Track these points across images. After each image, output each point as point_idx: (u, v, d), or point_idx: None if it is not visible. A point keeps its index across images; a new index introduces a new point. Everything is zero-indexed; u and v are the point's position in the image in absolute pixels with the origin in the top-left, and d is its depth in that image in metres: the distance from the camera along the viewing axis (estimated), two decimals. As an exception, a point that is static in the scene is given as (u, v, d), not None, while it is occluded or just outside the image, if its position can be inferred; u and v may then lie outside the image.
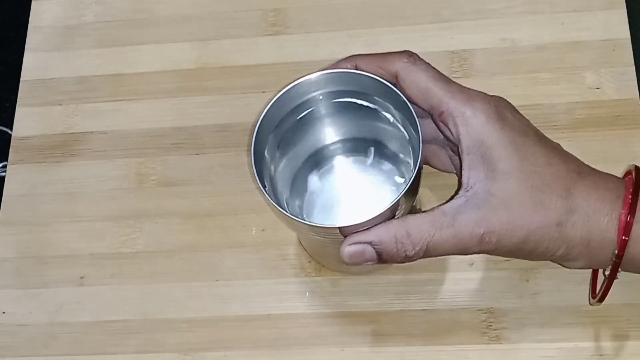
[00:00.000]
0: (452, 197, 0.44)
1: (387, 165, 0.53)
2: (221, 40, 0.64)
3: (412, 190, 0.45)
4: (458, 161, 0.45)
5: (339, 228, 0.44)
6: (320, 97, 0.49)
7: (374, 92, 0.48)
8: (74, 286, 0.58)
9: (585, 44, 0.59)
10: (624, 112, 0.57)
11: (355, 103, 0.49)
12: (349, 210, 0.53)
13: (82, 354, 0.56)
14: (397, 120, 0.49)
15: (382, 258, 0.44)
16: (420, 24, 0.61)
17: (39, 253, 0.59)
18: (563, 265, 0.46)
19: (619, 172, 0.54)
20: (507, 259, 0.54)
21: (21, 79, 0.65)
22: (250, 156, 0.45)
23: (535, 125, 0.46)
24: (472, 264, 0.54)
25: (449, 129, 0.44)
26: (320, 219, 0.52)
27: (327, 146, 0.54)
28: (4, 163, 0.63)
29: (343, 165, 0.54)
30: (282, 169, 0.51)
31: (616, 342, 0.51)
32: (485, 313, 0.53)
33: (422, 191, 0.57)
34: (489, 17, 0.61)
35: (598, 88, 0.58)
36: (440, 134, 0.46)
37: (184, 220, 0.59)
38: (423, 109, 0.45)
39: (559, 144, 0.46)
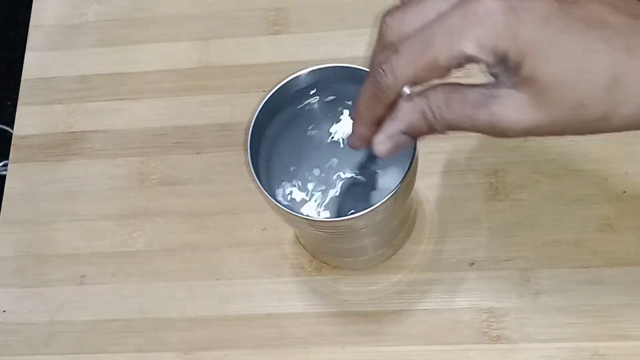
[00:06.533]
0: None
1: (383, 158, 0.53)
2: (222, 39, 0.64)
3: (408, 183, 0.46)
4: None
5: (335, 222, 0.44)
6: (316, 92, 0.49)
7: None
8: (75, 285, 0.58)
9: (586, 44, 0.59)
10: (624, 112, 0.57)
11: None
12: (346, 204, 0.53)
13: (83, 352, 0.56)
14: None
15: (416, 137, 0.39)
16: (422, 23, 0.61)
17: (40, 252, 0.59)
18: None
19: (619, 172, 0.55)
20: (507, 258, 0.54)
21: (22, 77, 0.65)
22: (247, 153, 0.45)
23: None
24: (473, 263, 0.54)
25: None
26: (316, 213, 0.53)
27: (323, 140, 0.54)
28: (5, 162, 0.63)
29: (339, 159, 0.54)
30: (279, 164, 0.51)
31: (616, 342, 0.51)
32: (485, 313, 0.53)
33: (422, 191, 0.57)
34: (490, 17, 0.61)
35: (599, 88, 0.58)
36: None
37: (184, 219, 0.59)
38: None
39: None
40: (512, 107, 0.34)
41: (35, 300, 0.58)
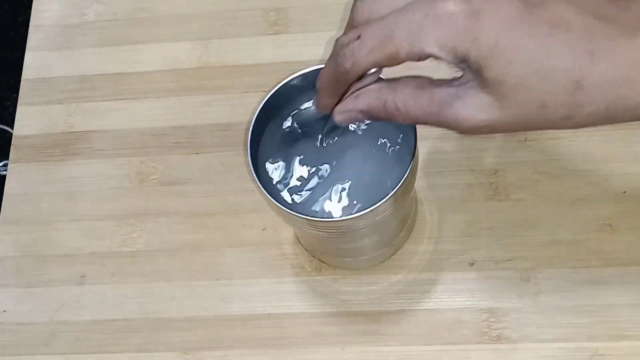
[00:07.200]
0: None
1: (385, 156, 0.53)
2: (222, 39, 0.64)
3: (408, 183, 0.46)
4: None
5: (335, 222, 0.44)
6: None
7: None
8: (75, 285, 0.58)
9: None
10: (624, 113, 0.57)
11: None
12: (347, 203, 0.53)
13: (83, 352, 0.56)
14: None
15: (373, 120, 0.42)
16: (421, 23, 0.61)
17: (40, 252, 0.59)
18: None
19: (619, 172, 0.55)
20: (507, 258, 0.54)
21: (22, 77, 0.65)
22: (247, 153, 0.45)
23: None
24: (473, 263, 0.54)
25: None
26: (316, 213, 0.53)
27: (324, 139, 0.54)
28: (5, 162, 0.63)
29: (340, 158, 0.54)
30: (280, 164, 0.51)
31: (616, 342, 0.51)
32: (485, 313, 0.53)
33: (422, 191, 0.57)
34: (490, 17, 0.61)
35: (599, 88, 0.58)
36: None
37: (184, 219, 0.59)
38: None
39: None
40: (476, 107, 0.35)
41: (35, 300, 0.58)
